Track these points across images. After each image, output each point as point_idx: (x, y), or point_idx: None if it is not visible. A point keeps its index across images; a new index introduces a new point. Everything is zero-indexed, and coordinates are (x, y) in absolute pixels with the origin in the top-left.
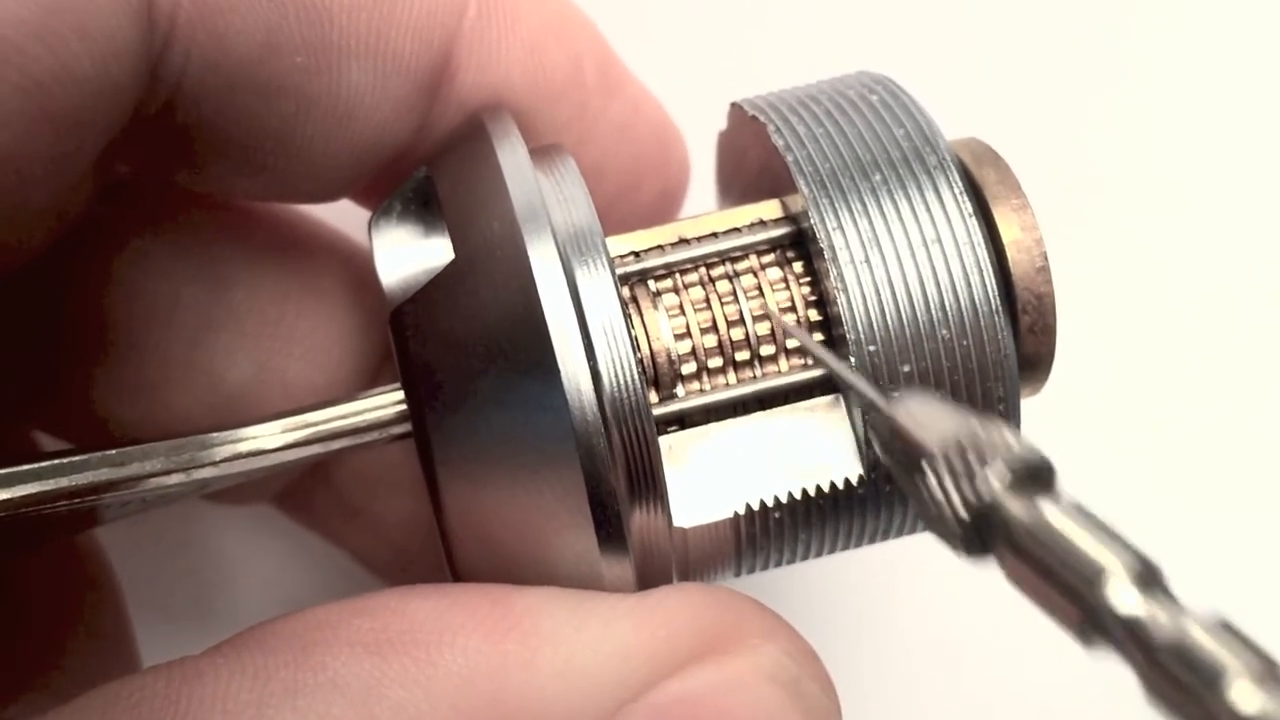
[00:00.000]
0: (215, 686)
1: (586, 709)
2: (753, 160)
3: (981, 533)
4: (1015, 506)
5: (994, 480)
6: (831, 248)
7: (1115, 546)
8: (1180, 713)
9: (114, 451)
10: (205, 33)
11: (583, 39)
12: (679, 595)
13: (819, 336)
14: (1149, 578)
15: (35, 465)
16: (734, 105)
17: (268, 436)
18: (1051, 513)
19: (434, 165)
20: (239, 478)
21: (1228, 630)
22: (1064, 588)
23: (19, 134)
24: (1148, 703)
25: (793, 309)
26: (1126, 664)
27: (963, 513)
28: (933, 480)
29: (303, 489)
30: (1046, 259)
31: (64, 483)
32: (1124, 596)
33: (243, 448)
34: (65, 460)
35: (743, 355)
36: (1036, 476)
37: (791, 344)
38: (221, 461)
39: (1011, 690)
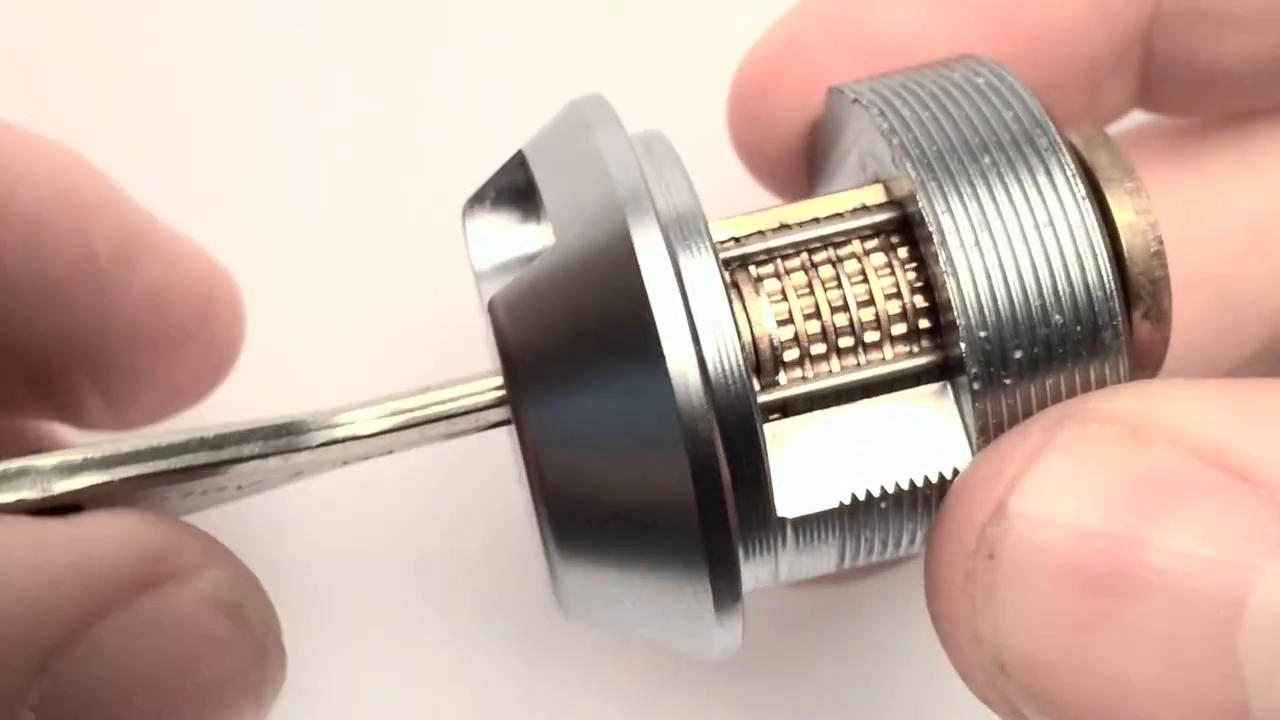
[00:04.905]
0: None
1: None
2: (849, 146)
3: None
4: None
5: None
6: (940, 231)
7: None
8: None
9: (211, 434)
10: None
11: (95, 213)
12: (113, 522)
13: (925, 323)
14: None
15: (134, 448)
16: (832, 90)
17: (364, 422)
18: None
19: (529, 150)
20: (333, 464)
21: None
22: None
23: None
24: None
25: (898, 295)
26: None
27: None
28: None
29: None
30: (1161, 243)
31: (162, 465)
32: None
33: (338, 433)
34: (164, 443)
35: (846, 342)
36: None
37: (897, 330)
38: (318, 446)
39: None
